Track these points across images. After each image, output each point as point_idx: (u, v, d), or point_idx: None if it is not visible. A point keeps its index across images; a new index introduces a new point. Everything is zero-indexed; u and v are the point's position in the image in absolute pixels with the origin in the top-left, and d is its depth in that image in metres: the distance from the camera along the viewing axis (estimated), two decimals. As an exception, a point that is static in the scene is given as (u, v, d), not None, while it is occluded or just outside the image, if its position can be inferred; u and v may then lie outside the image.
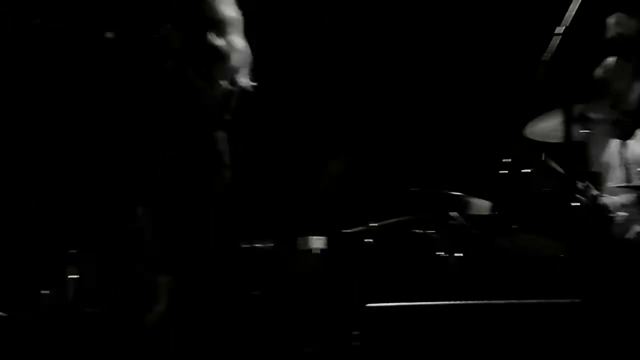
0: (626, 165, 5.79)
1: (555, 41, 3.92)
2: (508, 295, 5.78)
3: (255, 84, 5.50)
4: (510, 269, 6.00)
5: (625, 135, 4.40)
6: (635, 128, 4.33)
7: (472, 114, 7.12)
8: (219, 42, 5.43)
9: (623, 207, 5.93)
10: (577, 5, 3.96)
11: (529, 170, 6.01)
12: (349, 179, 7.05)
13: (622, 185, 5.92)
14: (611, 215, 5.98)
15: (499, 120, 6.38)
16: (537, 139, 6.02)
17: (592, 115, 5.73)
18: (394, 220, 6.43)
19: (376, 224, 6.30)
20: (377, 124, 7.45)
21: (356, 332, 5.84)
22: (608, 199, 5.99)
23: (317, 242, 6.52)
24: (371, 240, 6.22)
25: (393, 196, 6.57)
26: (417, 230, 6.30)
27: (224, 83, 5.44)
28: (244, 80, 5.48)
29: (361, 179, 7.03)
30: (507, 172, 6.00)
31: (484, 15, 7.15)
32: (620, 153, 5.89)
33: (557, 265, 5.86)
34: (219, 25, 5.45)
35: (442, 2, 7.36)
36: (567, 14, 3.91)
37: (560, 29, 3.93)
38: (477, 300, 5.22)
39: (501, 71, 6.86)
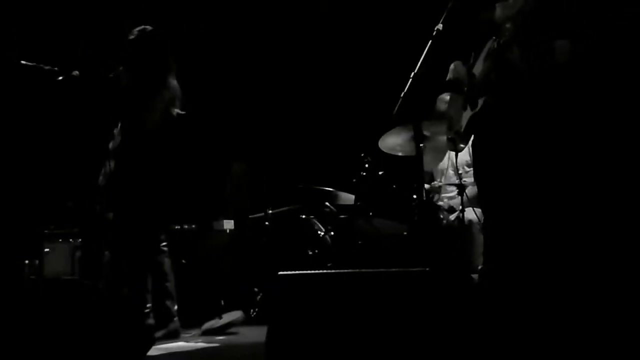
0: (454, 169, 5.81)
1: (410, 82, 3.85)
2: (366, 262, 5.77)
3: (183, 112, 5.36)
4: (367, 244, 5.91)
5: (456, 148, 4.36)
6: (464, 143, 4.30)
7: (343, 133, 7.03)
8: (159, 81, 5.32)
9: (448, 198, 5.91)
10: (424, 56, 3.88)
11: (382, 173, 5.94)
12: (250, 177, 6.94)
13: (448, 182, 5.92)
14: (439, 204, 5.95)
15: (362, 136, 6.29)
16: (386, 150, 5.95)
17: (427, 133, 5.73)
18: (285, 208, 6.32)
19: (272, 211, 6.17)
20: (273, 138, 7.32)
21: (257, 289, 5.73)
22: (437, 193, 5.98)
23: (228, 224, 6.39)
24: (268, 223, 6.09)
25: (285, 191, 6.48)
26: (302, 216, 6.18)
27: (161, 111, 5.32)
28: (175, 110, 5.35)
29: (260, 178, 6.93)
30: (365, 173, 5.91)
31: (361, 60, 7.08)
32: (450, 160, 5.92)
33: (401, 240, 5.77)
34: (159, 69, 5.33)
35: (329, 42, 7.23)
36: (419, 63, 3.84)
37: (412, 73, 3.86)
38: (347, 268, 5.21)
39: (368, 103, 6.80)
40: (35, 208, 6.56)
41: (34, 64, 5.71)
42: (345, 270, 3.90)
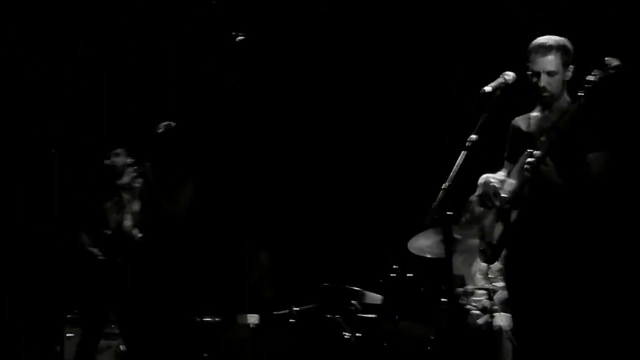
0: (482, 273, 5.81)
1: (442, 194, 3.85)
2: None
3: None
4: (393, 347, 5.86)
5: (488, 260, 4.35)
6: (496, 256, 4.28)
7: (374, 234, 7.01)
8: (181, 170, 5.50)
9: (476, 303, 5.87)
10: (457, 169, 3.87)
11: (411, 275, 5.93)
12: (275, 272, 6.92)
13: (476, 287, 5.89)
14: (467, 308, 5.91)
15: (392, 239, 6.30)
16: (415, 252, 5.95)
17: (458, 236, 5.74)
18: (310, 305, 6.30)
19: (297, 308, 6.15)
20: (301, 233, 7.32)
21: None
22: (466, 297, 5.93)
23: (252, 319, 6.35)
24: (293, 320, 6.07)
25: (311, 288, 6.47)
26: (328, 315, 6.15)
27: (184, 201, 5.46)
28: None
29: (288, 273, 6.91)
30: (395, 275, 5.90)
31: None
32: (478, 265, 5.92)
33: (428, 345, 5.71)
34: (184, 161, 5.53)
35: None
36: (450, 174, 3.84)
37: (445, 185, 3.87)
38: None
39: (396, 211, 6.81)
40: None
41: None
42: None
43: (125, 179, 5.95)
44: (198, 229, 5.74)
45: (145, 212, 5.66)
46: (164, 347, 5.51)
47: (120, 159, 5.95)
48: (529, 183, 4.11)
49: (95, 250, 5.98)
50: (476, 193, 4.31)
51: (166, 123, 5.63)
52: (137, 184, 5.90)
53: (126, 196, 5.95)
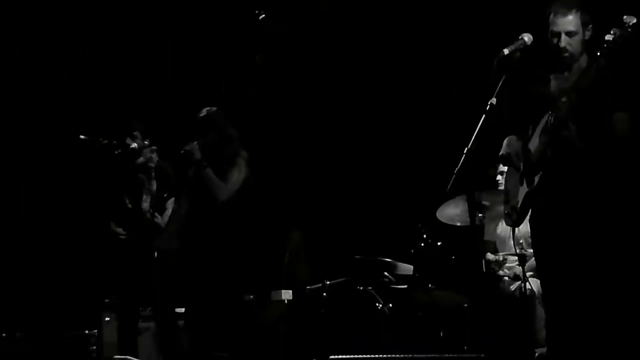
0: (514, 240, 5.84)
1: (464, 157, 3.90)
2: (425, 335, 5.78)
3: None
4: (426, 316, 5.92)
5: (514, 223, 4.39)
6: (521, 219, 4.32)
7: (402, 205, 7.06)
8: (229, 151, 5.56)
9: (508, 269, 5.91)
10: (478, 130, 3.92)
11: (441, 243, 5.99)
12: (308, 248, 6.99)
13: (507, 253, 5.92)
14: (499, 274, 5.95)
15: (421, 208, 6.35)
16: (444, 220, 6.00)
17: (486, 202, 5.79)
18: (342, 279, 6.38)
19: (330, 282, 6.23)
20: (331, 207, 7.39)
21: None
22: (498, 264, 5.96)
23: (286, 295, 6.45)
24: (326, 294, 6.16)
25: (343, 261, 6.54)
26: (360, 287, 6.22)
27: (236, 181, 5.55)
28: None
29: (319, 248, 6.98)
30: (424, 244, 5.97)
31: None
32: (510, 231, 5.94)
33: (461, 313, 5.76)
34: (227, 140, 5.59)
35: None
36: (473, 136, 3.90)
37: (466, 149, 3.92)
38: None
39: (423, 180, 6.84)
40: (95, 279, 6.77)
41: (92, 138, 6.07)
42: (398, 356, 3.97)
43: (141, 160, 6.12)
44: (241, 209, 5.81)
45: (192, 192, 5.76)
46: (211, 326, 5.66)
47: (138, 140, 6.13)
48: (550, 145, 4.14)
49: (120, 230, 6.14)
50: (500, 152, 4.33)
51: (207, 108, 5.74)
52: (152, 164, 6.11)
53: (142, 176, 6.14)
